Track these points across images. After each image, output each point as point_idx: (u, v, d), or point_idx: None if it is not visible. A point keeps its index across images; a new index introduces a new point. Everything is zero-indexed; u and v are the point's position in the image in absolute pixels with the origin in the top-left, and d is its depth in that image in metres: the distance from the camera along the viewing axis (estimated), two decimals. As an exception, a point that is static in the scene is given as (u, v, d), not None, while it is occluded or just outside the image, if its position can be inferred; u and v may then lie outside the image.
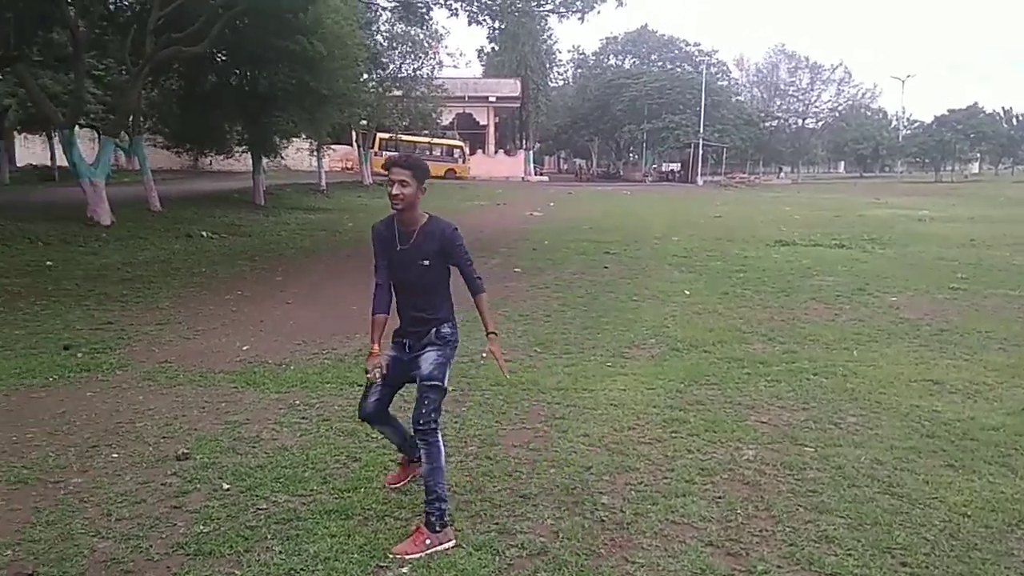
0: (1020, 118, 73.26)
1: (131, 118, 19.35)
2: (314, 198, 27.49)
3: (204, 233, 16.80)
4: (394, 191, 3.58)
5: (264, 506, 3.89)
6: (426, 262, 3.66)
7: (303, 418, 5.26)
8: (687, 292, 10.22)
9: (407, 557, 3.38)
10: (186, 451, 4.59)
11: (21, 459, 4.50)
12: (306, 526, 3.65)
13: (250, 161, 24.45)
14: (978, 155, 74.13)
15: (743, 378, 6.13)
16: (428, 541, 3.44)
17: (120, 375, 6.37)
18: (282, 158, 27.60)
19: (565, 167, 72.35)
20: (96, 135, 25.61)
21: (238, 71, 21.81)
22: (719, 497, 3.95)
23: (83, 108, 18.48)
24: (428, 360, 3.69)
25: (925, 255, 14.06)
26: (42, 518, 3.75)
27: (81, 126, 26.40)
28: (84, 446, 4.73)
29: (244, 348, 7.25)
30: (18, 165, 34.69)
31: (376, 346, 3.78)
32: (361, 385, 5.97)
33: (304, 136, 26.99)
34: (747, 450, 4.59)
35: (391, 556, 3.39)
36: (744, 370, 6.35)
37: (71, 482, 4.18)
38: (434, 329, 3.77)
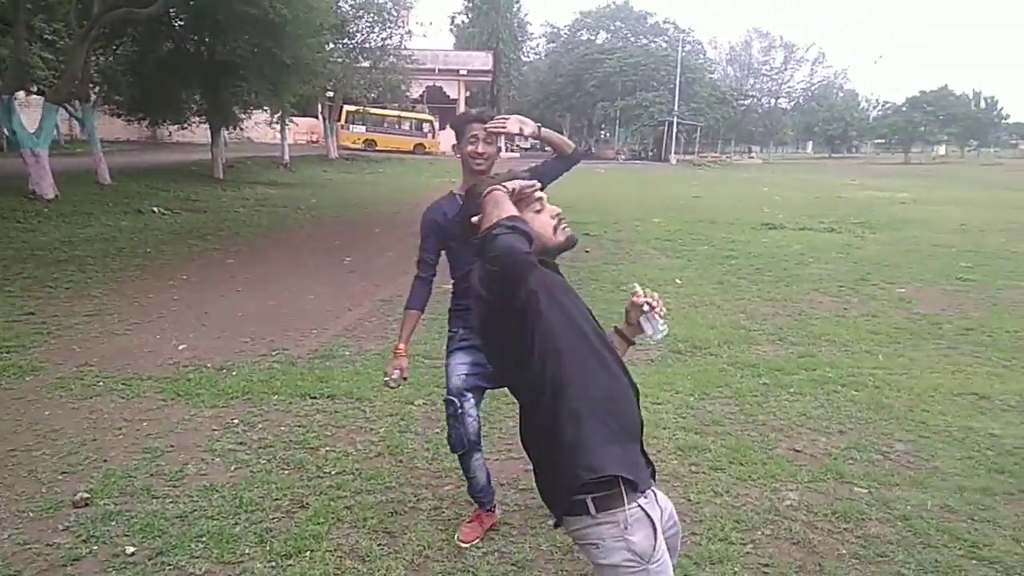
0: (988, 101, 73.55)
1: (79, 85, 17.94)
2: (277, 172, 26.21)
3: (155, 209, 15.60)
4: (480, 148, 3.05)
5: (176, 582, 2.97)
6: None
7: (240, 443, 4.32)
8: (678, 280, 9.39)
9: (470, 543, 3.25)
10: (87, 495, 3.62)
11: None
12: (229, 616, 2.74)
13: (210, 133, 23.11)
14: (946, 137, 74.26)
15: (761, 390, 5.30)
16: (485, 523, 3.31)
17: (29, 382, 5.35)
18: (241, 130, 26.18)
19: (537, 145, 71.05)
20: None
21: (196, 37, 20.45)
22: (766, 565, 3.11)
23: (25, 73, 17.12)
24: None
25: (920, 240, 13.38)
26: None
27: (29, 93, 24.85)
28: (-42, 486, 3.75)
29: (181, 347, 6.25)
30: (-39, 133, 32.73)
31: (403, 345, 3.22)
32: (314, 398, 5.12)
33: (266, 107, 25.60)
34: (787, 492, 3.75)
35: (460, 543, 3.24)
36: (760, 379, 5.52)
37: (-75, 544, 3.22)
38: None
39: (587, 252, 11.41)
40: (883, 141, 78.94)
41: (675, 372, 5.71)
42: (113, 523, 3.39)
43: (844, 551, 3.23)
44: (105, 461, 4.06)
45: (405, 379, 3.23)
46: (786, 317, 7.57)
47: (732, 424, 4.68)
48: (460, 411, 3.11)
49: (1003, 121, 79.13)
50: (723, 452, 4.23)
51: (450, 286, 3.28)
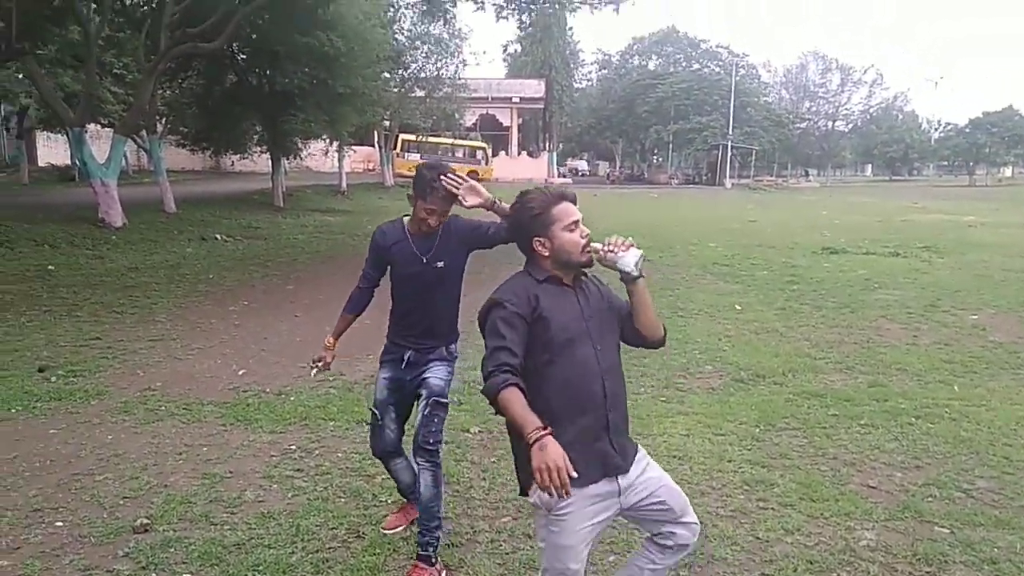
0: (1057, 120, 70.86)
1: (147, 117, 18.64)
2: (334, 199, 26.70)
3: (218, 236, 16.02)
4: (433, 222, 3.24)
5: (234, 612, 2.94)
6: (441, 264, 3.30)
7: (298, 470, 4.31)
8: (738, 307, 9.16)
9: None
10: (147, 520, 3.64)
11: (-60, 529, 3.59)
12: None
13: (270, 162, 23.72)
14: (1012, 158, 71.76)
15: (830, 421, 5.09)
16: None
17: (94, 406, 5.46)
18: (301, 159, 26.79)
19: (588, 170, 70.99)
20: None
21: (257, 69, 21.09)
22: (845, 610, 2.94)
23: (94, 106, 17.85)
24: (438, 375, 3.35)
25: (990, 265, 12.85)
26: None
27: (101, 125, 25.91)
28: (25, 509, 3.80)
29: (240, 372, 6.33)
30: (40, 165, 34.23)
31: (332, 339, 3.62)
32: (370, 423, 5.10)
33: (324, 136, 26.17)
34: (863, 531, 3.55)
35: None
36: (829, 411, 5.30)
37: (-8, 567, 3.26)
38: (443, 347, 3.42)
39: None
40: (946, 163, 76.75)
41: (738, 402, 5.53)
42: (172, 550, 3.40)
43: (928, 596, 3.04)
44: (166, 486, 4.08)
45: (327, 367, 3.57)
46: (853, 345, 7.30)
47: (801, 457, 4.49)
48: (380, 423, 3.43)
49: (1074, 141, 76.08)
50: (792, 487, 4.04)
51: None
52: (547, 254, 2.38)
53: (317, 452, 4.57)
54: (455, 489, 4.04)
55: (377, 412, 3.44)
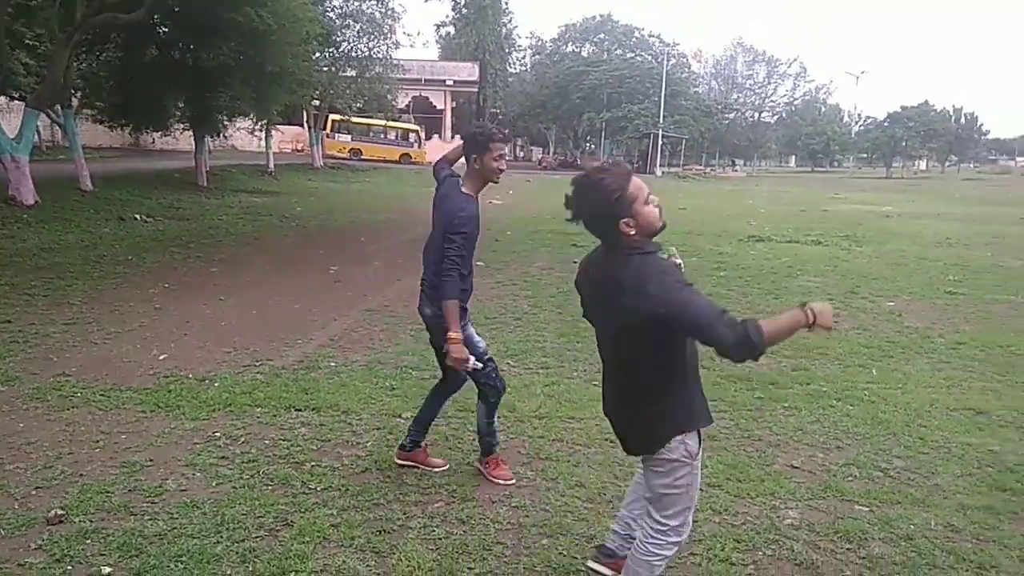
0: (968, 116, 74.54)
1: (61, 90, 17.68)
2: (261, 180, 25.96)
3: (138, 216, 15.36)
4: (504, 166, 3.60)
5: (154, 605, 2.83)
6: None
7: (223, 458, 4.17)
8: (668, 293, 9.30)
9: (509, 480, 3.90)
10: (61, 511, 3.47)
11: None
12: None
13: (193, 140, 22.88)
14: (926, 152, 75.15)
15: (756, 404, 5.22)
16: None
17: (3, 393, 5.16)
18: (226, 137, 25.93)
19: (521, 155, 71.03)
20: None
21: (180, 44, 20.23)
22: (769, 588, 3.01)
23: (6, 78, 16.84)
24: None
25: (907, 254, 13.42)
26: None
27: (12, 98, 24.43)
28: (-74, 502, 3.58)
29: (162, 358, 6.09)
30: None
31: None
32: (299, 410, 4.97)
33: (251, 115, 25.39)
34: (787, 510, 3.66)
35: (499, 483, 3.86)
36: (755, 393, 5.44)
37: None
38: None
39: (575, 263, 11.31)
40: (865, 155, 79.77)
41: (668, 385, 5.61)
42: (89, 541, 3.24)
43: (849, 572, 3.14)
44: (81, 476, 3.90)
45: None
46: (777, 330, 7.49)
47: (728, 439, 4.59)
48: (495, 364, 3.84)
49: (982, 137, 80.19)
50: (720, 468, 4.13)
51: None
52: (633, 232, 2.36)
53: (243, 439, 4.43)
54: (387, 475, 3.98)
55: (493, 360, 3.79)
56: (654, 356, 2.40)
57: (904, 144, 69.46)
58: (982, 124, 78.81)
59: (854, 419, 4.94)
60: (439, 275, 3.52)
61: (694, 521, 3.47)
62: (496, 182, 3.61)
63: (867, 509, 3.68)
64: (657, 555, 2.57)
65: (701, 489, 3.80)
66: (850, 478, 4.04)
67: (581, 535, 3.38)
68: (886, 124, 71.63)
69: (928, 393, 5.51)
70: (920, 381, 5.81)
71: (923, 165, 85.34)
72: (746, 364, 6.08)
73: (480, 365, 3.63)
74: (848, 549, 3.32)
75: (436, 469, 4.03)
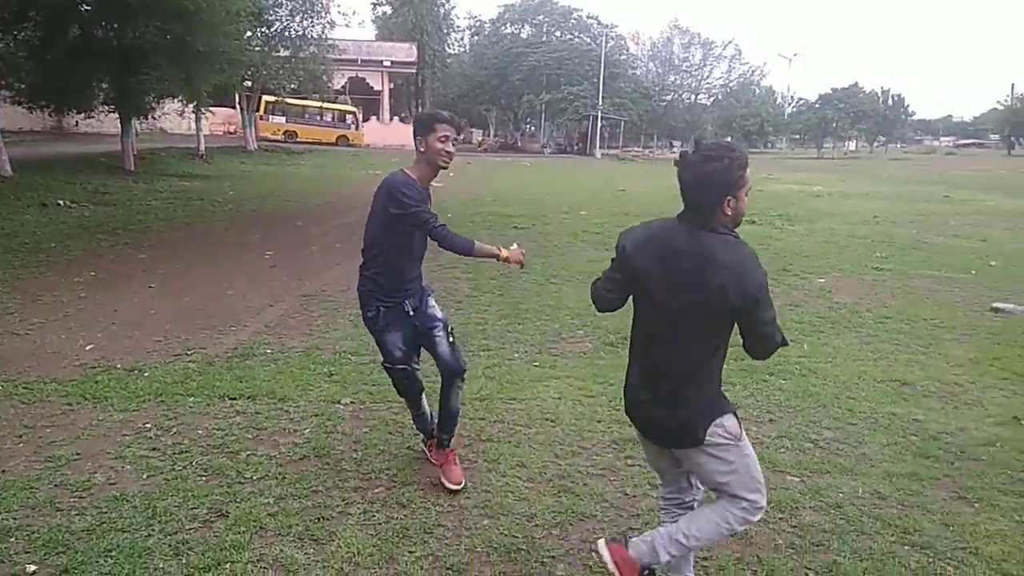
0: (895, 98, 77.01)
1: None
2: (192, 164, 25.19)
3: (61, 202, 14.73)
4: (450, 148, 3.46)
5: (82, 603, 2.73)
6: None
7: (154, 449, 4.05)
8: (607, 273, 9.39)
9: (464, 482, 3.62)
10: (-20, 510, 3.32)
11: None
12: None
13: (119, 122, 22.01)
14: (856, 132, 77.41)
15: (693, 380, 5.31)
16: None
17: (-84, 388, 4.91)
18: (154, 119, 25.06)
19: (462, 137, 70.50)
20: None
21: (104, 22, 19.38)
22: (705, 559, 3.07)
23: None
24: (435, 306, 3.72)
25: (837, 232, 13.82)
26: None
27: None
28: None
29: (88, 348, 5.87)
30: None
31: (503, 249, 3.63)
32: (234, 399, 4.86)
33: (181, 97, 24.53)
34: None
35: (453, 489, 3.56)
36: (692, 370, 5.53)
37: None
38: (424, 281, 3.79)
39: (516, 246, 11.30)
40: (798, 136, 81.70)
41: (608, 364, 5.67)
42: (12, 539, 3.11)
43: (780, 541, 3.23)
44: (3, 472, 3.73)
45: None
46: (713, 308, 7.64)
47: (666, 415, 4.66)
48: (414, 372, 3.71)
49: (909, 118, 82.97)
50: (658, 444, 4.19)
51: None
52: (729, 213, 2.39)
53: (175, 430, 4.31)
54: (325, 462, 3.92)
55: (407, 367, 3.64)
56: (717, 337, 2.44)
57: (835, 125, 71.42)
58: (908, 105, 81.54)
59: (786, 392, 5.07)
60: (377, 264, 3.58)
61: (633, 496, 3.55)
62: (443, 167, 3.47)
63: (798, 479, 3.79)
64: (736, 528, 2.58)
65: (640, 465, 3.89)
66: (782, 450, 4.15)
67: (522, 514, 3.40)
68: (817, 106, 73.46)
69: (856, 366, 5.70)
70: (849, 355, 6.00)
71: (853, 146, 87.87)
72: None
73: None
74: (780, 518, 3.41)
75: (451, 484, 3.63)
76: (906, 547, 3.18)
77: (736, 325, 2.44)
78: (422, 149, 3.42)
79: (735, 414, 2.53)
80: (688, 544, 2.56)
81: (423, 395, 3.86)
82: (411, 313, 3.61)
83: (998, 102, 79.30)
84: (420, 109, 55.74)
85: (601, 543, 2.64)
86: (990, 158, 65.53)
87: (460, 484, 3.61)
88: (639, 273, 2.52)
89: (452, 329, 3.71)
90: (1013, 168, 46.51)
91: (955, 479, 3.82)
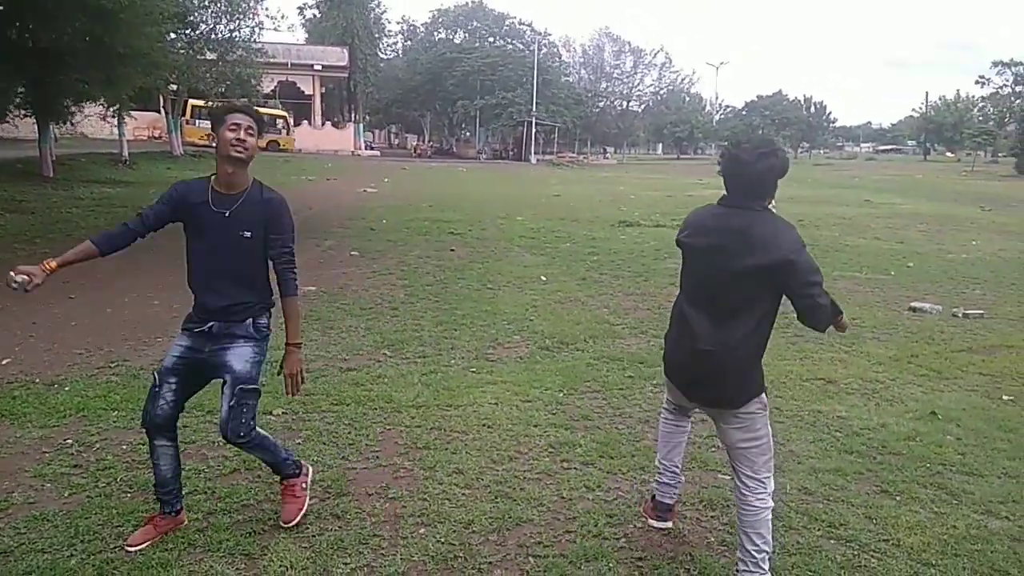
0: (818, 105, 79.81)
1: None
2: (115, 170, 24.34)
3: (-28, 211, 14.07)
4: (241, 135, 3.04)
5: (-3, 631, 2.61)
6: (248, 234, 3.08)
7: (76, 466, 3.89)
8: (543, 278, 9.47)
9: (296, 520, 3.29)
10: None
11: None
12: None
13: (36, 127, 21.09)
14: (781, 139, 79.95)
15: (627, 383, 5.39)
16: (302, 486, 3.40)
17: None
18: (73, 124, 24.09)
19: (396, 142, 70.01)
20: None
21: (18, 23, 18.55)
22: (640, 559, 3.12)
23: None
24: (242, 357, 3.12)
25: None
26: None
27: None
28: None
29: (4, 362, 5.61)
30: None
31: (55, 263, 2.99)
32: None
33: (101, 100, 23.65)
34: (655, 484, 3.80)
35: (283, 525, 3.28)
36: (626, 373, 5.62)
37: None
38: (251, 319, 3.16)
39: (452, 251, 11.31)
40: (725, 143, 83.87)
41: (544, 369, 5.71)
42: (-81, 567, 2.95)
43: (712, 538, 3.31)
44: (-92, 496, 3.53)
45: (27, 291, 2.91)
46: (646, 311, 7.79)
47: (601, 418, 4.73)
48: (157, 391, 3.14)
49: (831, 125, 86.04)
50: (593, 447, 4.25)
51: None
52: (769, 200, 2.79)
53: (98, 446, 4.15)
54: (256, 474, 3.83)
55: (157, 378, 3.16)
56: (767, 307, 2.78)
57: (760, 131, 73.52)
58: (830, 112, 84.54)
59: (717, 393, 5.18)
60: None
61: (570, 499, 3.59)
62: (237, 156, 3.05)
63: (728, 478, 3.87)
64: (765, 509, 2.84)
65: (576, 468, 3.93)
66: (712, 448, 4.25)
67: (459, 521, 3.39)
68: (744, 113, 75.80)
69: (784, 365, 5.87)
70: (776, 354, 6.16)
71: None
72: (617, 343, 6.26)
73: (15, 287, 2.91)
74: (712, 516, 3.50)
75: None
76: (832, 541, 3.29)
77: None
78: (215, 145, 3.11)
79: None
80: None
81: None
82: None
83: (913, 110, 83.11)
84: (353, 114, 55.12)
85: None
86: (907, 163, 68.55)
87: (291, 522, 3.30)
88: (694, 252, 2.92)
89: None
90: (928, 173, 48.76)
91: (877, 473, 3.98)
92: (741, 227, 2.72)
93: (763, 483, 2.85)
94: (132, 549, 3.08)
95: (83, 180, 20.70)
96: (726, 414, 2.87)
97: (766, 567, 2.83)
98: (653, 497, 3.36)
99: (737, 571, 2.88)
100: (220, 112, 3.16)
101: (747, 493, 2.85)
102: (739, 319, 2.76)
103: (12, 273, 2.85)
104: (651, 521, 3.32)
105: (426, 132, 69.69)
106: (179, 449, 3.29)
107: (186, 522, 3.31)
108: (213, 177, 3.17)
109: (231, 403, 3.07)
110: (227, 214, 3.07)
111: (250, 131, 3.08)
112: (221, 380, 3.13)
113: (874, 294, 8.95)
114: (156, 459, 3.21)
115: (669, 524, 3.31)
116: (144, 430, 3.22)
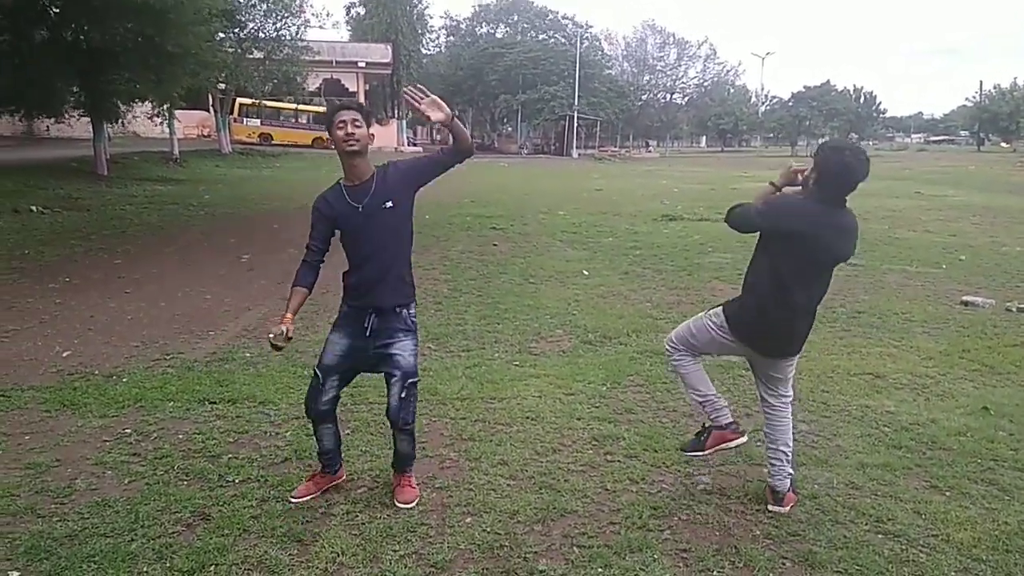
0: (867, 96, 77.89)
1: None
2: (166, 167, 24.96)
3: (34, 208, 14.56)
4: (349, 130, 3.26)
5: (65, 609, 2.73)
6: (389, 204, 3.35)
7: (135, 455, 4.04)
8: (586, 272, 9.47)
9: (413, 504, 3.48)
10: (-41, 519, 3.30)
11: None
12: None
13: (91, 126, 21.72)
14: (829, 130, 78.24)
15: (670, 377, 5.34)
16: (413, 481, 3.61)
17: None
18: (124, 123, 24.73)
19: (439, 138, 70.33)
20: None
21: (73, 24, 19.10)
22: (684, 550, 3.13)
23: None
24: (406, 350, 3.39)
25: (810, 229, 13.97)
26: None
27: None
28: None
29: (65, 355, 5.84)
30: None
31: (290, 315, 3.36)
32: (214, 403, 4.86)
33: (152, 100, 24.24)
34: (700, 476, 3.81)
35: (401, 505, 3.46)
36: (669, 367, 5.60)
37: None
38: (406, 310, 3.43)
39: (495, 246, 11.37)
40: (771, 135, 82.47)
41: (587, 363, 5.73)
42: (-8, 547, 3.10)
43: (758, 532, 3.30)
44: (-19, 480, 3.71)
45: (289, 339, 3.29)
46: (690, 305, 7.74)
47: (644, 412, 4.73)
48: (321, 387, 3.44)
49: (881, 116, 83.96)
50: (637, 440, 4.26)
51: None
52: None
53: (155, 435, 4.30)
54: (307, 463, 3.93)
55: (320, 375, 3.44)
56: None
57: (808, 123, 72.05)
58: (880, 103, 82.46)
59: (762, 387, 5.14)
60: None
61: (614, 491, 3.61)
62: (351, 150, 3.27)
63: (765, 470, 3.86)
64: (791, 416, 3.56)
65: (619, 461, 3.96)
66: (759, 443, 4.20)
67: (504, 511, 3.44)
68: (790, 104, 74.14)
69: (830, 360, 5.80)
70: (823, 349, 6.10)
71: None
72: (660, 337, 6.23)
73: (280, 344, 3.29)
74: (757, 510, 3.48)
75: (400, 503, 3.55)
76: (879, 535, 3.26)
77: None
78: (332, 146, 3.37)
79: None
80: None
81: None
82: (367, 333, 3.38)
83: (967, 99, 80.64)
84: (396, 110, 55.57)
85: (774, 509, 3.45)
86: (960, 154, 66.59)
87: (410, 503, 3.50)
88: (806, 243, 3.31)
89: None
90: (982, 164, 47.34)
91: (927, 468, 3.92)
92: (849, 227, 3.33)
93: (790, 397, 3.58)
94: (295, 501, 3.49)
95: (136, 178, 21.27)
96: (791, 359, 3.55)
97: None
98: (715, 428, 3.65)
99: (773, 467, 3.48)
100: (327, 115, 3.38)
101: (783, 407, 3.53)
102: (821, 289, 3.43)
103: (270, 336, 3.30)
104: (733, 443, 3.65)
105: (468, 127, 69.74)
106: (339, 426, 3.63)
107: (344, 477, 3.69)
108: (341, 179, 3.42)
109: (402, 395, 3.35)
110: (366, 199, 3.32)
111: (356, 123, 3.28)
112: (387, 374, 3.39)
113: (924, 288, 8.76)
114: (320, 437, 3.56)
115: (745, 438, 3.70)
116: (309, 420, 3.58)
